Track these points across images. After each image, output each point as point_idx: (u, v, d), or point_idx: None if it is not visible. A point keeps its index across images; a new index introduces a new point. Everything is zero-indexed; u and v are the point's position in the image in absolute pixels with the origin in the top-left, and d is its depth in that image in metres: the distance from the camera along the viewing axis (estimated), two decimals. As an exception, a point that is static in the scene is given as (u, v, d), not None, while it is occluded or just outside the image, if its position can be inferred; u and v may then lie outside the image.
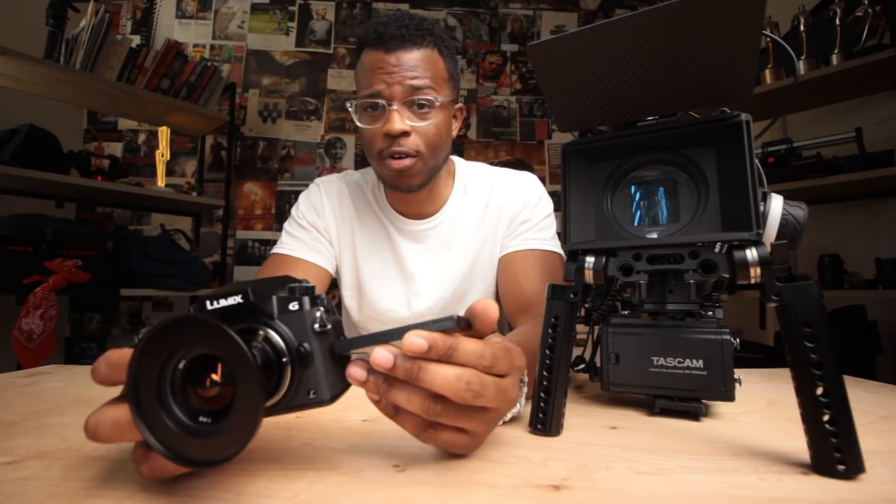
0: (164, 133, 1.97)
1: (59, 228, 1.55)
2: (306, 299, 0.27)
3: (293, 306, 0.27)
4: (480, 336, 0.30)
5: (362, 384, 0.28)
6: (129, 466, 0.30)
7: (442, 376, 0.26)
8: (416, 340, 0.26)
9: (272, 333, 0.27)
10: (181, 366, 0.24)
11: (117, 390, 0.27)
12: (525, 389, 0.42)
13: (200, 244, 2.26)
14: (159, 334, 0.23)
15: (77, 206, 2.16)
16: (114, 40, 1.76)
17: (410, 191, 0.74)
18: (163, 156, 1.95)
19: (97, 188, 1.73)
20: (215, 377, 0.24)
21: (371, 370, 0.27)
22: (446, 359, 0.27)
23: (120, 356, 0.26)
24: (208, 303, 0.26)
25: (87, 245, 1.64)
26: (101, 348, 2.26)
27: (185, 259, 1.91)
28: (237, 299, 0.26)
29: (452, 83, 0.73)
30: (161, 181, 1.94)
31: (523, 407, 0.42)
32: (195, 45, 2.49)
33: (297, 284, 0.28)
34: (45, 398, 0.48)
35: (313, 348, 0.27)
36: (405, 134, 0.68)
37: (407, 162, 0.69)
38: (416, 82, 0.66)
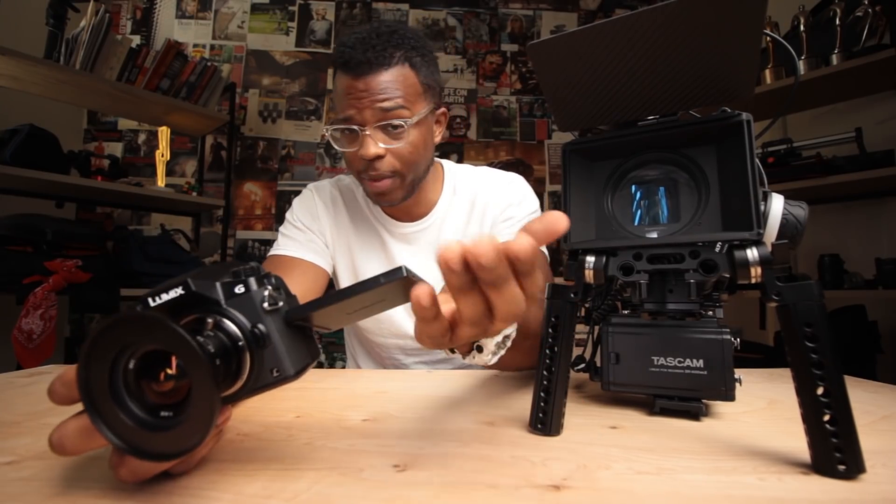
0: (164, 133, 1.97)
1: (59, 228, 1.55)
2: (252, 280, 0.27)
3: (239, 289, 0.26)
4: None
5: (423, 308, 0.27)
6: (128, 466, 0.30)
7: (517, 293, 0.27)
8: (525, 240, 0.26)
9: (223, 320, 0.26)
10: (131, 364, 0.23)
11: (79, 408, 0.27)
12: (506, 347, 0.43)
13: (200, 244, 2.26)
14: (102, 336, 0.22)
15: (77, 206, 2.16)
16: (114, 40, 1.76)
17: (393, 205, 0.76)
18: (163, 156, 1.95)
19: (97, 188, 1.73)
20: (170, 371, 0.24)
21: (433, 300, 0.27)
22: (524, 276, 0.27)
23: (74, 373, 0.26)
24: (150, 300, 0.25)
25: (87, 245, 1.64)
26: (101, 348, 2.26)
27: (185, 259, 1.91)
28: (178, 291, 0.25)
29: (430, 93, 0.72)
30: (161, 181, 1.94)
31: (492, 362, 0.44)
32: (195, 45, 2.49)
33: (241, 267, 0.28)
34: (45, 398, 0.47)
35: (268, 327, 0.26)
36: (379, 157, 0.69)
37: (385, 183, 0.71)
38: (386, 104, 0.67)
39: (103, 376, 0.23)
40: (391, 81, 0.67)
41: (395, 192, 0.73)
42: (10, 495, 0.26)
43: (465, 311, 0.29)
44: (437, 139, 0.78)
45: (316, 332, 0.30)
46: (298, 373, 0.27)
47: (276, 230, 2.38)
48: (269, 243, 2.40)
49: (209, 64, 2.05)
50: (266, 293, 0.27)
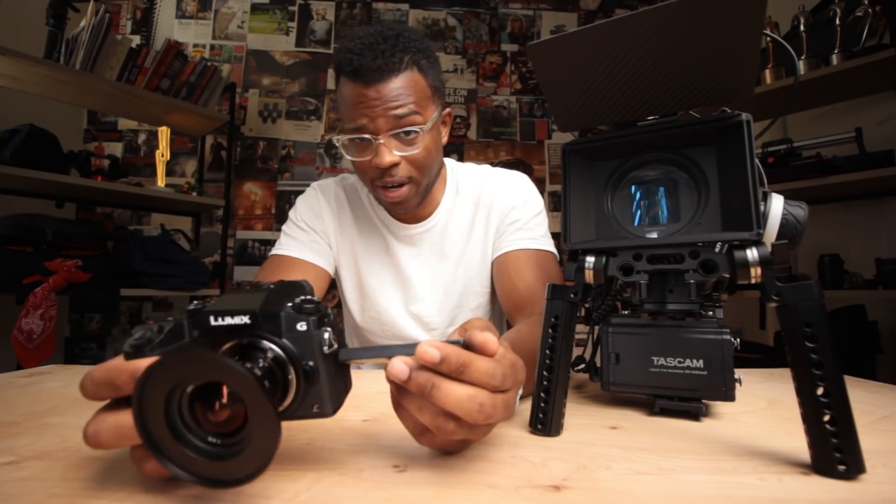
0: (164, 133, 1.97)
1: (59, 228, 1.55)
2: (314, 319, 0.27)
3: (301, 327, 0.27)
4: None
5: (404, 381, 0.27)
6: (129, 466, 0.30)
7: (455, 395, 0.27)
8: (430, 350, 0.26)
9: (279, 352, 0.26)
10: (185, 398, 0.24)
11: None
12: (521, 389, 0.42)
13: (200, 244, 2.26)
14: (162, 369, 0.23)
15: (77, 206, 2.16)
16: (114, 40, 1.76)
17: (408, 212, 0.76)
18: (163, 156, 1.95)
19: (97, 188, 1.73)
20: (223, 401, 0.24)
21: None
22: (458, 375, 0.27)
23: (103, 373, 0.26)
24: (212, 319, 0.26)
25: (87, 245, 1.64)
26: (101, 348, 2.26)
27: (185, 259, 1.91)
28: (244, 320, 0.26)
29: (437, 95, 0.72)
30: (161, 181, 1.94)
31: (518, 405, 0.42)
32: (195, 45, 2.49)
33: (305, 299, 0.28)
34: (45, 398, 0.48)
35: (319, 368, 0.27)
36: (395, 165, 0.68)
37: (402, 191, 0.70)
38: (399, 111, 0.65)
39: (159, 414, 0.23)
40: (403, 87, 0.65)
41: (411, 200, 0.72)
42: (9, 495, 0.26)
43: (410, 422, 0.30)
44: (444, 140, 0.78)
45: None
46: (335, 410, 0.28)
47: (276, 230, 2.38)
48: (269, 243, 2.40)
49: (209, 64, 2.05)
50: (325, 336, 0.27)
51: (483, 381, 0.28)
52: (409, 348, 0.27)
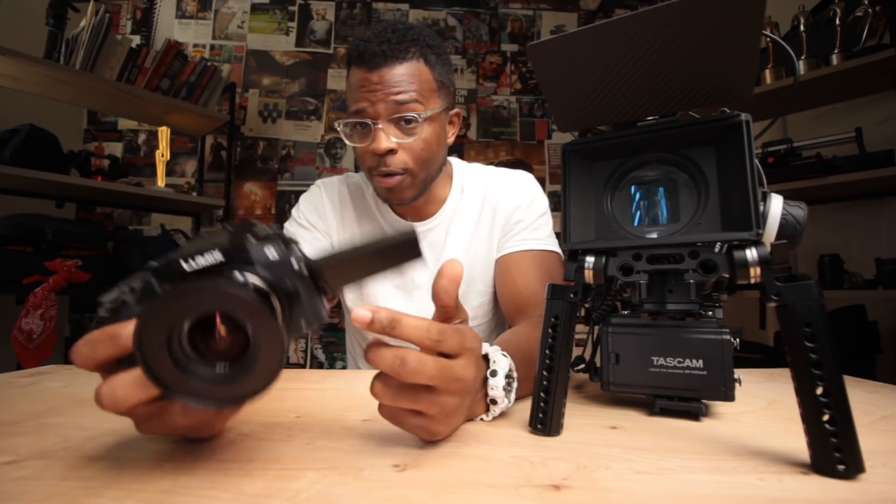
0: (164, 133, 1.97)
1: (59, 228, 1.55)
2: (280, 244, 0.28)
3: (271, 254, 0.28)
4: (447, 294, 0.33)
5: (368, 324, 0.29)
6: (128, 466, 0.30)
7: (381, 355, 0.29)
8: (361, 312, 0.28)
9: (258, 283, 0.27)
10: (185, 329, 0.24)
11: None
12: (515, 385, 0.42)
13: (200, 244, 2.26)
14: (160, 307, 0.23)
15: (77, 206, 2.16)
16: (114, 40, 1.76)
17: (403, 204, 0.75)
18: (163, 156, 1.95)
19: (97, 188, 1.73)
20: (222, 332, 0.25)
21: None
22: (389, 331, 0.28)
23: (99, 333, 0.26)
24: (184, 263, 0.26)
25: (87, 245, 1.64)
26: (101, 348, 2.26)
27: (185, 259, 1.91)
28: (218, 257, 0.26)
29: (443, 91, 0.72)
30: (161, 181, 1.94)
31: (511, 403, 0.42)
32: (195, 45, 2.49)
33: (261, 227, 0.29)
34: (45, 398, 0.48)
35: (298, 287, 0.28)
36: (392, 152, 0.68)
37: (396, 179, 0.70)
38: (400, 97, 0.66)
39: (164, 355, 0.24)
40: (405, 75, 0.66)
41: (405, 191, 0.72)
42: (9, 495, 0.26)
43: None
44: (451, 140, 0.77)
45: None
46: (322, 320, 0.29)
47: (276, 230, 2.39)
48: (269, 243, 2.39)
49: (209, 64, 2.05)
50: (294, 258, 0.28)
51: (414, 335, 0.29)
52: (400, 232, 0.30)
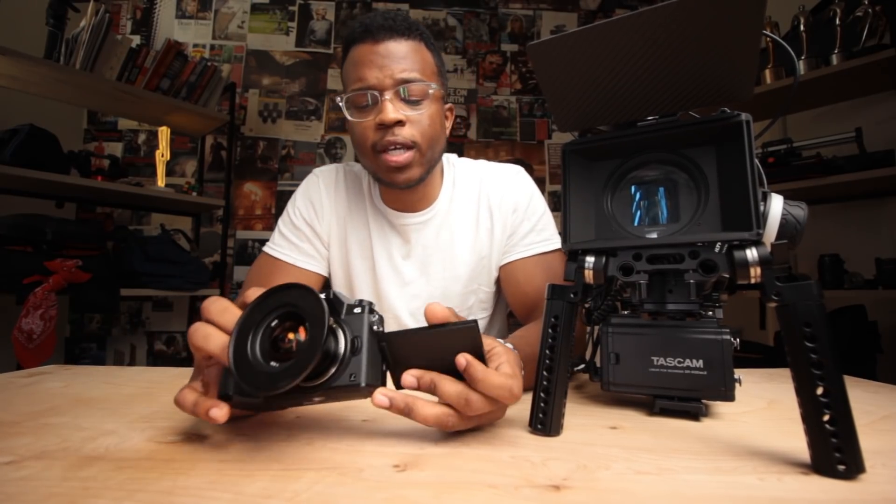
0: (164, 133, 1.97)
1: (59, 228, 1.55)
2: (366, 306, 0.35)
3: (356, 310, 0.35)
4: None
5: (387, 408, 0.34)
6: (128, 466, 0.30)
7: (450, 391, 0.34)
8: (460, 360, 0.34)
9: (337, 326, 0.34)
10: (271, 325, 0.31)
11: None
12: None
13: (200, 244, 2.26)
14: (268, 297, 0.32)
15: (77, 206, 2.16)
16: (114, 40, 1.76)
17: (409, 186, 0.71)
18: (163, 156, 1.95)
19: (97, 188, 1.73)
20: (291, 336, 0.31)
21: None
22: (473, 384, 0.35)
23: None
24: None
25: (87, 245, 1.63)
26: (101, 348, 2.26)
27: (185, 259, 1.91)
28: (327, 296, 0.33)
29: (441, 79, 0.73)
30: (161, 181, 1.94)
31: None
32: (195, 45, 2.49)
33: (359, 300, 0.36)
34: (45, 398, 0.48)
35: (363, 339, 0.33)
36: (399, 123, 0.66)
37: (406, 155, 0.67)
38: (405, 74, 0.66)
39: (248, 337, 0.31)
40: (411, 52, 0.67)
41: (413, 168, 0.69)
42: (9, 494, 0.26)
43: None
44: (447, 132, 0.77)
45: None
46: (368, 386, 0.33)
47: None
48: (269, 243, 2.39)
49: (209, 64, 2.05)
50: (373, 319, 0.35)
51: (458, 404, 0.35)
52: (462, 324, 0.35)
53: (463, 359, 0.34)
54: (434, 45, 0.72)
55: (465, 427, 0.36)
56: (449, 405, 0.35)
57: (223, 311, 0.34)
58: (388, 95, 0.65)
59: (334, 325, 0.33)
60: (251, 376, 0.29)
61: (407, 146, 0.67)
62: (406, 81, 0.66)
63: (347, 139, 2.49)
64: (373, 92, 0.66)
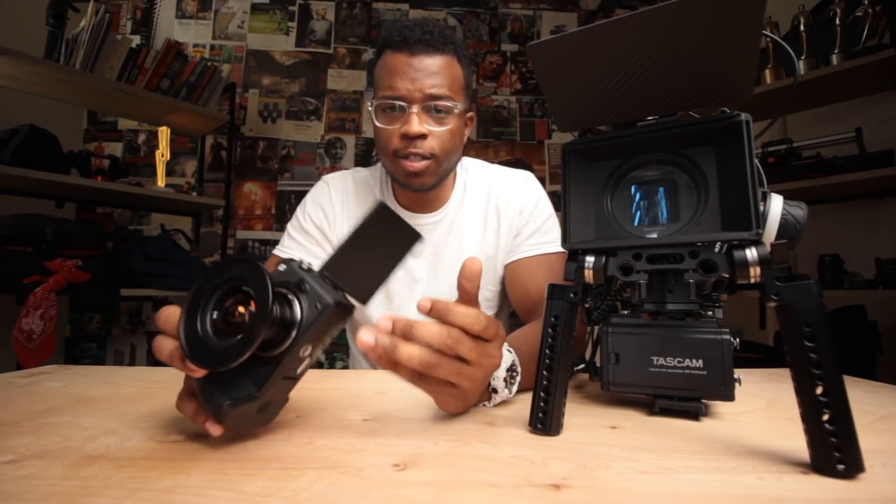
0: (164, 133, 1.97)
1: (59, 228, 1.55)
2: (290, 260, 0.36)
3: (281, 266, 0.36)
4: (468, 292, 0.37)
5: (371, 348, 0.33)
6: (128, 466, 0.30)
7: (429, 329, 0.34)
8: (424, 303, 0.35)
9: (289, 295, 0.34)
10: (213, 300, 0.32)
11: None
12: (518, 378, 0.46)
13: (200, 244, 2.26)
14: (215, 271, 0.32)
15: (77, 206, 2.16)
16: (114, 40, 1.76)
17: (422, 190, 0.76)
18: (163, 156, 1.95)
19: (97, 188, 1.73)
20: (247, 309, 0.31)
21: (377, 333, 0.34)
22: (443, 317, 0.35)
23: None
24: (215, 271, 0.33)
25: (87, 245, 1.63)
26: (101, 348, 2.26)
27: (185, 259, 1.91)
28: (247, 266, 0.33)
29: (467, 91, 0.76)
30: (161, 181, 1.94)
31: (512, 394, 0.46)
32: (195, 45, 2.49)
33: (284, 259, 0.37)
34: (45, 398, 0.48)
35: (305, 279, 0.35)
36: (422, 136, 0.70)
37: (422, 164, 0.72)
38: (435, 90, 0.69)
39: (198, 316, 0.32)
40: (443, 67, 0.70)
41: (428, 176, 0.74)
42: (9, 494, 0.26)
43: (405, 371, 0.36)
44: (464, 140, 0.79)
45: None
46: (338, 305, 0.34)
47: (277, 230, 2.39)
48: (269, 243, 2.39)
49: (209, 64, 2.05)
50: (300, 261, 0.36)
51: (466, 322, 0.35)
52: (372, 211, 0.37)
53: (427, 301, 0.35)
54: (466, 56, 0.75)
55: (452, 377, 0.36)
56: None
57: (168, 318, 0.33)
58: (415, 109, 0.69)
59: (287, 293, 0.34)
60: (204, 355, 0.30)
61: (425, 156, 0.71)
62: (434, 98, 0.69)
63: (348, 139, 2.50)
64: (401, 103, 0.70)
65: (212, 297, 0.32)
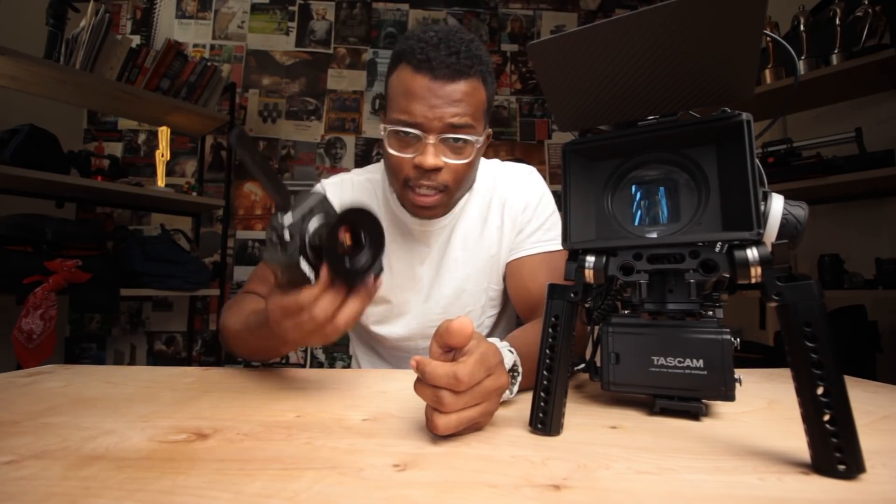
0: (164, 133, 1.97)
1: (59, 228, 1.55)
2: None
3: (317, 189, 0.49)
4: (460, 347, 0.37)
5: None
6: (128, 466, 0.30)
7: (435, 374, 0.35)
8: (411, 363, 0.36)
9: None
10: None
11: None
12: (519, 379, 0.46)
13: (200, 244, 2.26)
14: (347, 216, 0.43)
15: (77, 206, 2.16)
16: (114, 40, 1.76)
17: (431, 219, 0.75)
18: (163, 156, 1.95)
19: (97, 188, 1.73)
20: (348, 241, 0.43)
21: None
22: (422, 377, 0.36)
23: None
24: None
25: (87, 245, 1.63)
26: (101, 348, 2.26)
27: (185, 259, 1.91)
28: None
29: (489, 113, 0.71)
30: (161, 181, 1.94)
31: (513, 394, 0.46)
32: (195, 45, 2.49)
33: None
34: (45, 398, 0.48)
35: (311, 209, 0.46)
36: (437, 169, 0.65)
37: (434, 199, 0.68)
38: (456, 119, 0.63)
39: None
40: (466, 94, 0.63)
41: (439, 208, 0.71)
42: (9, 494, 0.26)
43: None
44: (480, 156, 0.77)
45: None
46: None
47: (276, 230, 2.38)
48: (269, 243, 2.39)
49: (209, 64, 2.05)
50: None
51: (447, 384, 0.35)
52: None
53: (412, 362, 0.36)
54: (491, 74, 0.69)
55: (463, 406, 0.36)
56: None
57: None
58: (431, 140, 0.63)
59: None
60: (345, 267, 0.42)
61: (438, 189, 0.67)
62: (454, 128, 0.63)
63: (348, 139, 2.50)
64: (416, 132, 0.64)
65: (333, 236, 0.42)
